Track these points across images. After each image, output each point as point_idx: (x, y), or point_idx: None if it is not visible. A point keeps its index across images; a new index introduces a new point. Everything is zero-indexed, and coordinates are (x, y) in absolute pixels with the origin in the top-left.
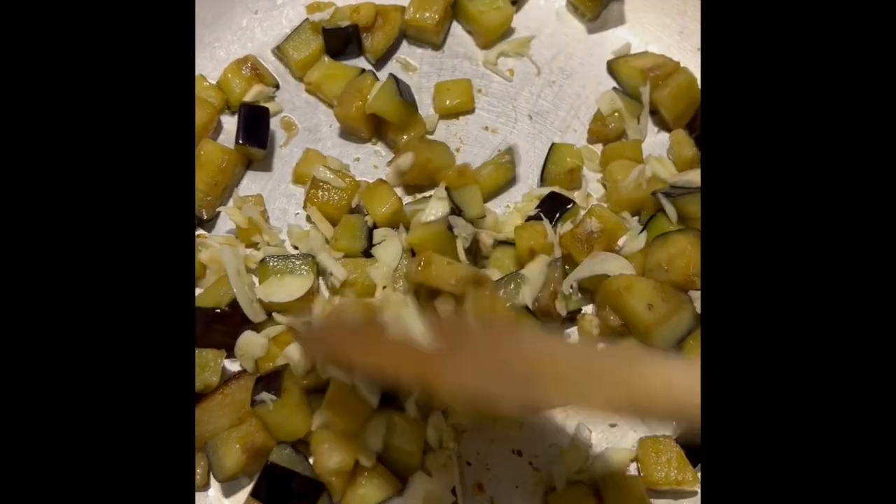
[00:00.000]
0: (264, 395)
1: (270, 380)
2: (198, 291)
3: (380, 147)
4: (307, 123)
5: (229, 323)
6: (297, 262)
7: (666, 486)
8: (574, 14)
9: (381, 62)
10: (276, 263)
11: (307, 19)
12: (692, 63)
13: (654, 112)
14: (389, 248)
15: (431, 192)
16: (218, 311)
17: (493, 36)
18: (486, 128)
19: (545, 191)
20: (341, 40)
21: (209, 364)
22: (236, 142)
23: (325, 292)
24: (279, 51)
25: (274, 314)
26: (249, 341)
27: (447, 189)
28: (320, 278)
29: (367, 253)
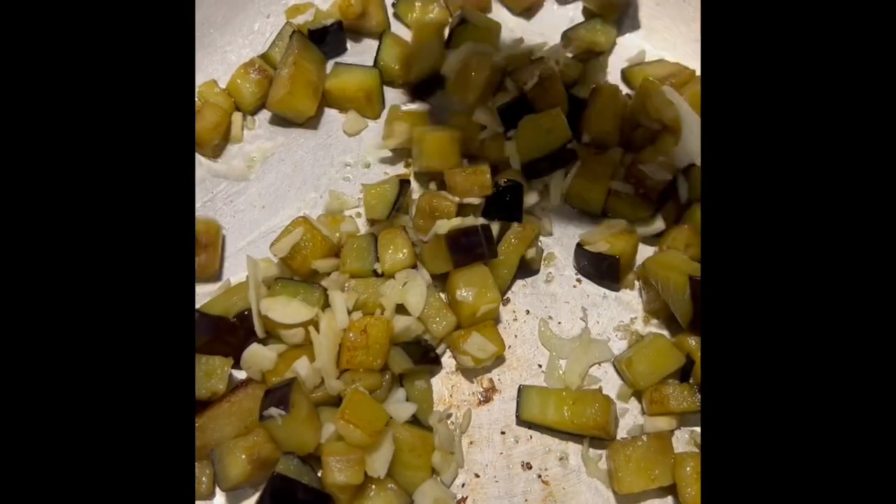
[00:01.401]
0: (273, 411)
1: (279, 394)
2: (206, 299)
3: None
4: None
5: (235, 335)
6: (309, 293)
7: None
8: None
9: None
10: (291, 285)
11: (288, 23)
12: None
13: None
14: (414, 290)
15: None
16: (227, 319)
17: None
18: None
19: None
20: (332, 38)
21: (216, 371)
22: None
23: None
24: (264, 59)
25: (280, 333)
26: (257, 354)
27: None
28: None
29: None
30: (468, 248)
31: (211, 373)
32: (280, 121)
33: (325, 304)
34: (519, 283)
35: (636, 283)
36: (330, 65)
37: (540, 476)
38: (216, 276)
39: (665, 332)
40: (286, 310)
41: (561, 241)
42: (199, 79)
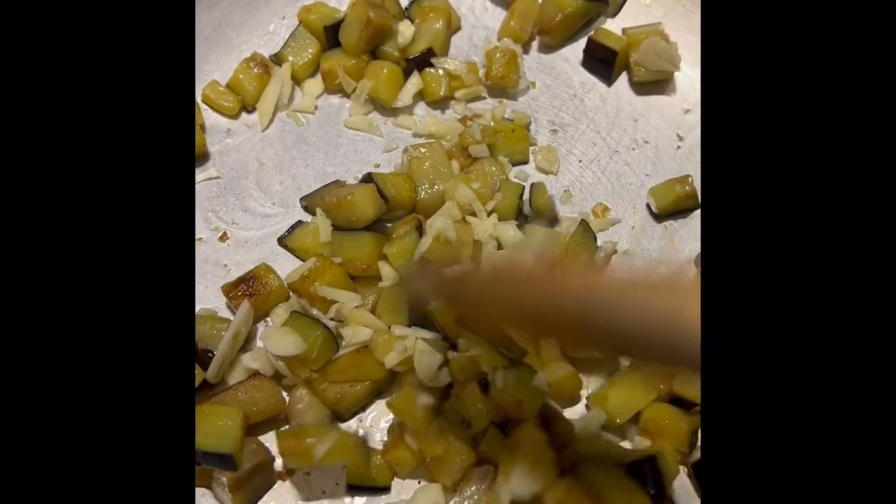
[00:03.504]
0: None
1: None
2: None
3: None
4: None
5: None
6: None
7: None
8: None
9: None
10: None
11: (300, 24)
12: None
13: None
14: None
15: None
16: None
17: None
18: None
19: None
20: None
21: None
22: None
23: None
24: (277, 58)
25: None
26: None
27: None
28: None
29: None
30: None
31: None
32: None
33: (322, 343)
34: None
35: None
36: None
37: None
38: None
39: None
40: (282, 340)
41: None
42: (216, 77)
